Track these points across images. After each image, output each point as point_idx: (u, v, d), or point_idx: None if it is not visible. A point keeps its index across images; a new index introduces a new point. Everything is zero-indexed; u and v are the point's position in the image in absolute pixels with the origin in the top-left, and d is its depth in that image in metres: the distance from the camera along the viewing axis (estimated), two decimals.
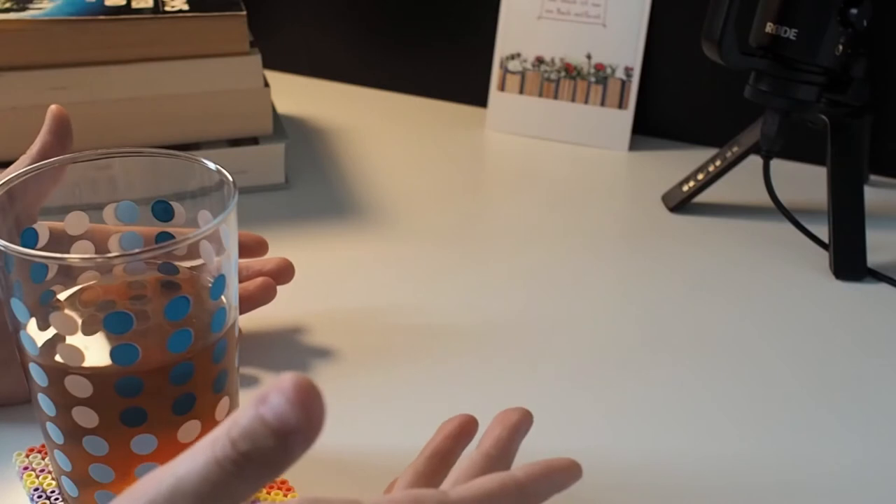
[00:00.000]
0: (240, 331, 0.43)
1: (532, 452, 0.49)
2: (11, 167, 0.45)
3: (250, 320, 0.57)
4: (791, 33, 0.63)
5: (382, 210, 0.73)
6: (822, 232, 0.67)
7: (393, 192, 0.75)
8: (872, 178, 0.77)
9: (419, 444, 0.49)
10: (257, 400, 0.28)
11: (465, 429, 0.42)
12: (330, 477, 0.46)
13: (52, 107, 0.48)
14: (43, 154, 0.46)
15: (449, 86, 0.91)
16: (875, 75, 0.69)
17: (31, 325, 0.39)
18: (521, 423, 0.42)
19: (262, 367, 0.55)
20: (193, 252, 0.38)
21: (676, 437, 0.50)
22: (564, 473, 0.37)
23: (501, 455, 0.40)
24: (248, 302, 0.54)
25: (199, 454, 0.29)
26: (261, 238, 0.57)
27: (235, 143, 0.73)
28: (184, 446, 0.39)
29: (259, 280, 0.55)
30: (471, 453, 0.40)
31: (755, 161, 0.69)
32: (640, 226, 0.72)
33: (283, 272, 0.56)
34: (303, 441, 0.28)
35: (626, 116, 0.82)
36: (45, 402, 0.39)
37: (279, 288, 0.56)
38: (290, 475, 0.45)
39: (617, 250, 0.70)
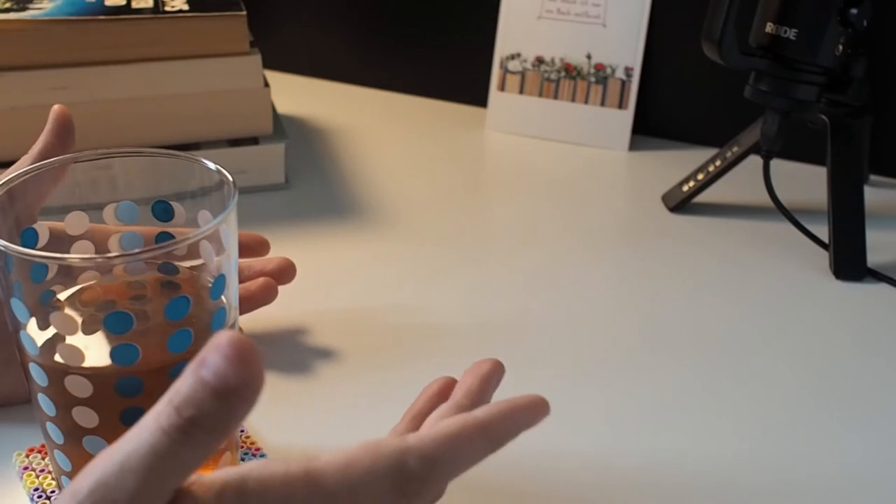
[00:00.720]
0: (241, 330, 0.43)
1: (532, 452, 0.49)
2: (13, 167, 0.45)
3: (251, 320, 0.57)
4: (791, 33, 0.63)
5: (382, 210, 0.73)
6: (822, 232, 0.67)
7: (393, 192, 0.75)
8: (872, 178, 0.77)
9: None
10: (196, 364, 0.28)
11: (447, 390, 0.42)
12: None
13: (56, 107, 0.48)
14: (44, 155, 0.46)
15: (449, 86, 0.91)
16: (875, 75, 0.69)
17: (31, 325, 0.39)
18: (493, 372, 0.41)
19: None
20: (193, 252, 0.38)
21: (676, 436, 0.50)
22: (529, 411, 0.35)
23: (472, 404, 0.39)
24: (250, 302, 0.54)
25: (145, 428, 0.29)
26: (262, 238, 0.57)
27: (235, 143, 0.73)
28: None
29: (260, 280, 0.55)
30: (441, 405, 0.39)
31: (755, 161, 0.69)
32: (640, 226, 0.72)
33: (285, 272, 0.56)
34: (245, 399, 0.28)
35: (626, 116, 0.82)
36: (45, 402, 0.39)
37: (280, 288, 0.56)
38: None
39: (617, 250, 0.70)
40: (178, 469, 0.29)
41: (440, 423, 0.34)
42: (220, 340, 0.28)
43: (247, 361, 0.28)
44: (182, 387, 0.28)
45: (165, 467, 0.29)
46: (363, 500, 0.31)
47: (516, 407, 0.35)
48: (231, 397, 0.28)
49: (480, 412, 0.34)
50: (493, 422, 0.34)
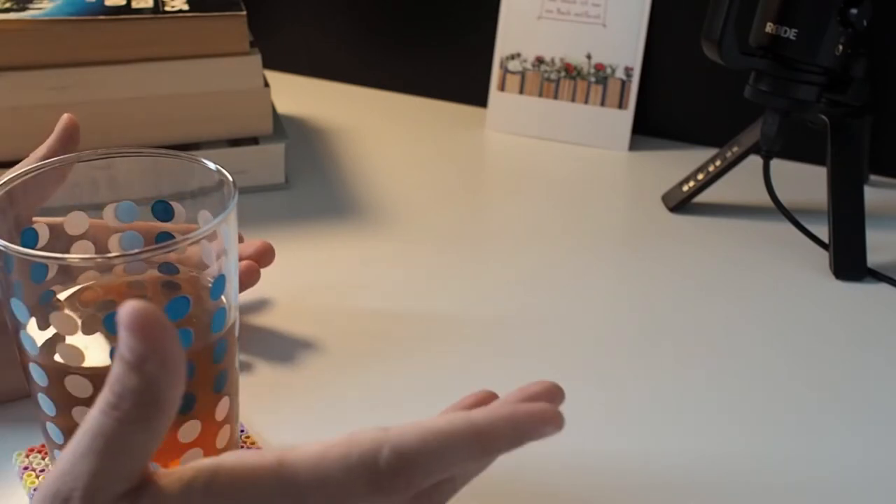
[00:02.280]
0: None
1: (533, 452, 0.49)
2: (13, 169, 0.45)
3: (251, 321, 0.57)
4: (791, 33, 0.63)
5: (382, 210, 0.73)
6: (822, 232, 0.67)
7: (393, 192, 0.75)
8: (872, 178, 0.77)
9: None
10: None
11: (483, 402, 0.38)
12: None
13: (65, 116, 0.48)
14: (49, 157, 0.46)
15: (449, 86, 0.91)
16: (875, 75, 0.69)
17: (31, 325, 0.39)
18: (541, 395, 0.35)
19: (261, 368, 0.55)
20: (193, 252, 0.38)
21: (676, 436, 0.50)
22: (538, 421, 0.31)
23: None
24: None
25: (89, 415, 0.30)
26: (263, 246, 0.57)
27: (235, 143, 0.73)
28: (184, 446, 0.39)
29: (243, 263, 0.55)
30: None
31: (755, 161, 0.69)
32: (640, 226, 0.72)
33: (264, 255, 0.56)
34: (159, 366, 0.29)
35: (626, 116, 0.82)
36: (45, 402, 0.39)
37: (280, 287, 0.56)
38: None
39: (617, 250, 0.70)
40: (127, 448, 0.30)
41: (426, 420, 0.31)
42: (120, 315, 0.28)
43: (148, 330, 0.28)
44: (112, 369, 0.30)
45: (113, 447, 0.30)
46: (334, 492, 0.30)
47: (522, 414, 0.31)
48: (145, 368, 0.29)
49: (479, 412, 0.31)
50: (489, 425, 0.31)
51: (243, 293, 0.55)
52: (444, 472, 0.31)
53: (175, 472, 0.31)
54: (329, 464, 0.31)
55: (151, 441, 0.30)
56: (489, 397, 0.38)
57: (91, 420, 0.30)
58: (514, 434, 0.31)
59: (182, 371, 0.29)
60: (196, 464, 0.31)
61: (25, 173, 0.41)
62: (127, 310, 0.28)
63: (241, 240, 0.57)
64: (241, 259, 0.55)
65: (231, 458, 0.31)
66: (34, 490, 0.44)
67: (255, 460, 0.31)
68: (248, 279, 0.55)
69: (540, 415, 0.31)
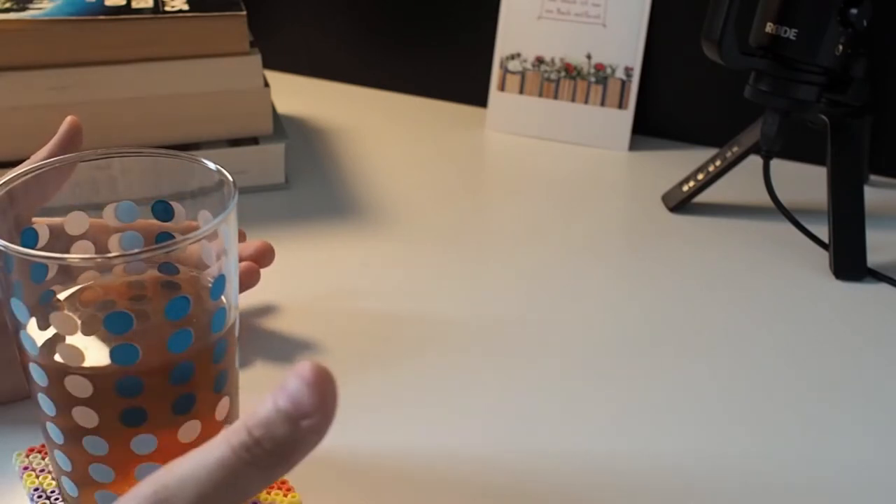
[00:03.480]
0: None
1: (534, 452, 0.49)
2: (14, 170, 0.45)
3: (251, 321, 0.57)
4: (791, 33, 0.63)
5: (382, 210, 0.73)
6: (822, 232, 0.67)
7: (393, 192, 0.75)
8: (872, 178, 0.77)
9: (421, 442, 0.50)
10: (276, 390, 0.29)
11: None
12: (331, 479, 0.46)
13: (69, 118, 0.48)
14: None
15: (449, 86, 0.91)
16: (875, 75, 0.69)
17: (31, 325, 0.39)
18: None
19: (261, 368, 0.55)
20: (193, 252, 0.38)
21: (676, 435, 0.50)
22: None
23: None
24: None
25: (214, 443, 0.30)
26: (263, 246, 0.57)
27: (235, 143, 0.73)
28: (184, 446, 0.39)
29: (243, 264, 0.55)
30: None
31: (755, 161, 0.69)
32: (640, 226, 0.72)
33: (264, 255, 0.56)
34: (315, 427, 0.29)
35: (626, 116, 0.82)
36: (45, 403, 0.39)
37: (280, 287, 0.56)
38: (292, 476, 0.45)
39: (617, 250, 0.70)
40: (239, 487, 0.30)
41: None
42: (302, 368, 0.29)
43: (323, 391, 0.29)
44: (258, 409, 0.29)
45: (227, 482, 0.29)
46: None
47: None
48: (301, 423, 0.29)
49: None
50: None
51: (243, 294, 0.55)
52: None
53: None
54: (211, 445, 0.31)
55: (265, 485, 0.30)
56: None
57: (216, 450, 0.30)
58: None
59: (321, 438, 0.29)
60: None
61: (26, 173, 0.41)
62: (310, 366, 0.29)
63: (242, 238, 0.57)
64: (240, 260, 0.55)
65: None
66: (34, 490, 0.44)
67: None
68: (248, 280, 0.55)
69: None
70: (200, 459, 0.30)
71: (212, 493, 0.29)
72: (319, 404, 0.29)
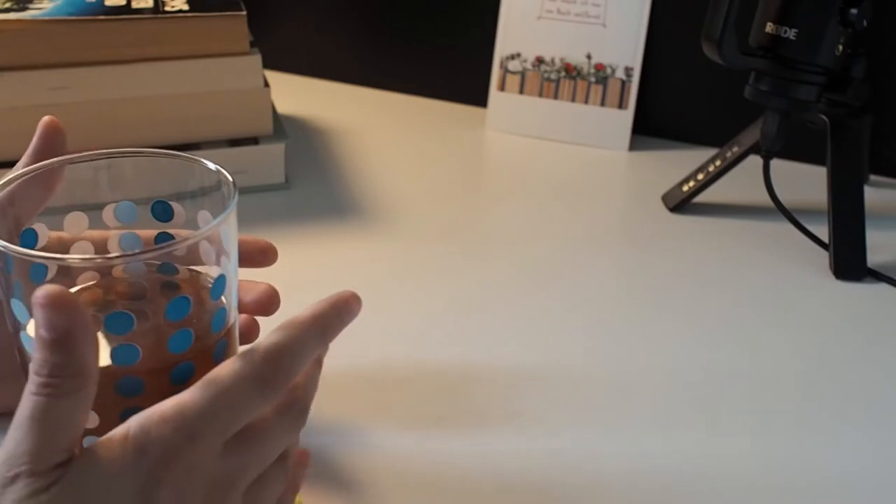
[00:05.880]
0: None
1: (535, 452, 0.49)
2: (15, 171, 0.45)
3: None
4: (791, 33, 0.63)
5: (382, 210, 0.73)
6: (822, 232, 0.67)
7: (393, 193, 0.75)
8: (872, 178, 0.77)
9: (423, 441, 0.50)
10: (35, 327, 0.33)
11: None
12: (332, 480, 0.46)
13: (44, 118, 0.46)
14: (34, 160, 0.45)
15: (449, 86, 0.91)
16: (875, 75, 0.69)
17: (32, 326, 0.38)
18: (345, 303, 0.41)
19: None
20: (193, 252, 0.38)
21: (676, 435, 0.50)
22: (347, 303, 0.40)
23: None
24: None
25: (22, 399, 0.33)
26: (266, 244, 0.54)
27: (235, 143, 0.73)
28: None
29: (243, 318, 0.50)
30: None
31: (755, 161, 0.69)
32: (640, 226, 0.72)
33: (268, 304, 0.50)
34: (79, 337, 0.32)
35: (626, 116, 0.82)
36: None
37: (278, 288, 0.56)
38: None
39: (617, 250, 0.70)
40: (63, 421, 0.33)
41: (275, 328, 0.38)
42: (36, 297, 0.32)
43: (62, 307, 0.32)
44: (34, 352, 0.33)
45: (49, 423, 0.33)
46: (232, 400, 0.35)
47: (336, 301, 0.40)
48: (67, 342, 0.32)
49: (306, 311, 0.39)
50: (320, 313, 0.39)
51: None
52: (304, 357, 0.38)
53: (107, 436, 0.34)
54: (220, 380, 0.35)
55: (84, 409, 0.33)
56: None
57: (24, 403, 0.33)
58: (339, 318, 0.40)
59: (94, 338, 0.33)
60: (127, 423, 0.34)
61: (26, 173, 0.41)
62: (41, 292, 0.32)
63: (268, 258, 0.52)
64: (241, 306, 0.49)
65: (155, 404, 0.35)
66: None
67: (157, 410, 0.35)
68: (247, 335, 0.50)
69: (349, 299, 0.41)
70: (19, 415, 0.33)
71: (45, 440, 0.33)
72: (69, 319, 0.32)
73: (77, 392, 0.33)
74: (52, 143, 0.46)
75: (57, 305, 0.32)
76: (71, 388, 0.33)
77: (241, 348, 0.38)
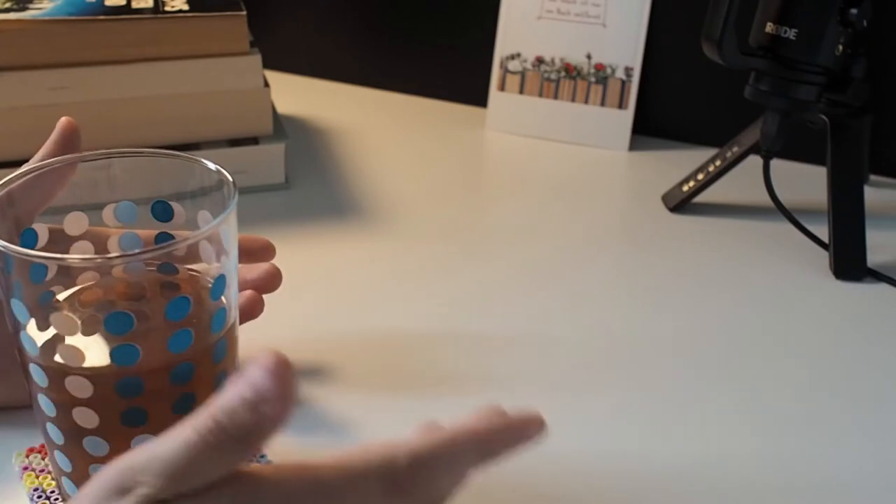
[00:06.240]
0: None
1: (536, 452, 0.49)
2: (15, 171, 0.45)
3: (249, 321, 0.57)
4: (791, 33, 0.63)
5: (382, 210, 0.73)
6: (822, 232, 0.67)
7: (393, 192, 0.75)
8: (872, 178, 0.77)
9: None
10: (238, 379, 0.30)
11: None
12: None
13: (63, 119, 0.47)
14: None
15: (449, 86, 0.91)
16: (875, 75, 0.69)
17: (31, 326, 0.39)
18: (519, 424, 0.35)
19: None
20: (193, 252, 0.38)
21: (676, 436, 0.50)
22: (526, 426, 0.35)
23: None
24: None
25: (180, 428, 0.30)
26: (265, 241, 0.55)
27: (235, 143, 0.73)
28: None
29: (246, 293, 0.52)
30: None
31: (755, 161, 0.69)
32: (640, 226, 0.72)
33: (270, 281, 0.53)
34: (275, 413, 0.30)
35: (626, 116, 0.82)
36: (45, 403, 0.39)
37: (280, 287, 0.56)
38: None
39: (617, 250, 0.70)
40: (202, 468, 0.30)
41: (433, 430, 0.34)
42: (262, 357, 0.30)
43: (282, 379, 0.30)
44: (222, 396, 0.30)
45: (191, 462, 0.30)
46: (358, 491, 0.32)
47: (512, 421, 0.35)
48: (261, 409, 0.30)
49: (475, 421, 0.34)
50: (487, 431, 0.34)
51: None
52: (454, 474, 0.33)
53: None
54: (351, 465, 0.32)
55: (224, 472, 0.31)
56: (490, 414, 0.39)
57: (181, 434, 0.30)
58: (510, 440, 0.34)
59: (281, 424, 0.31)
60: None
61: (26, 174, 0.41)
62: (271, 355, 0.30)
63: (270, 254, 0.55)
64: (244, 284, 0.52)
65: (252, 466, 0.32)
66: (34, 490, 0.44)
67: (273, 467, 0.32)
68: (250, 310, 0.52)
69: (530, 422, 0.35)
70: (166, 443, 0.30)
71: (176, 474, 0.30)
72: (279, 391, 0.30)
73: (233, 456, 0.31)
74: (70, 146, 0.47)
75: (280, 375, 0.30)
76: (238, 450, 0.31)
77: None
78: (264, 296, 0.53)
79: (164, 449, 0.30)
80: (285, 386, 0.30)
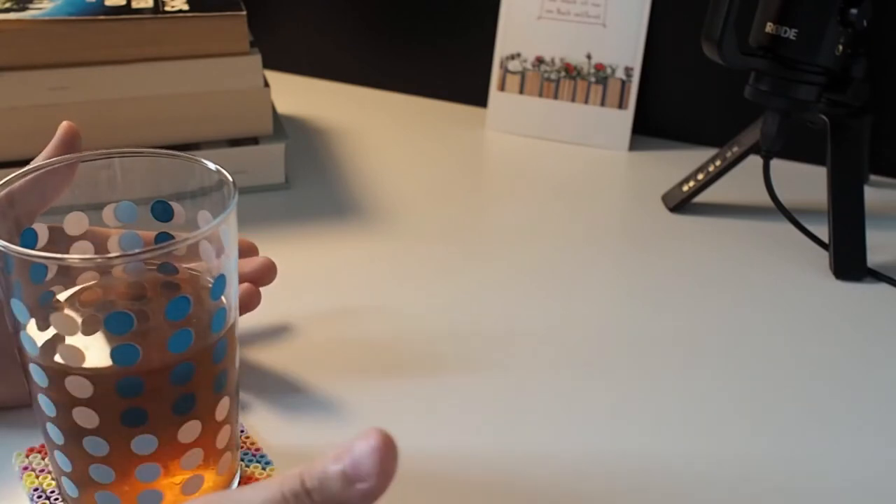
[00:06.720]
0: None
1: (536, 452, 0.49)
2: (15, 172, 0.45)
3: (249, 321, 0.57)
4: (791, 33, 0.63)
5: (382, 210, 0.73)
6: (822, 232, 0.67)
7: (393, 192, 0.75)
8: (872, 178, 0.77)
9: (422, 444, 0.50)
10: (339, 449, 0.30)
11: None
12: None
13: (64, 123, 0.47)
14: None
15: (449, 86, 0.91)
16: (875, 75, 0.69)
17: (31, 326, 0.39)
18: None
19: (260, 368, 0.55)
20: (193, 252, 0.38)
21: (675, 436, 0.50)
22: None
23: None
24: None
25: (267, 485, 0.30)
26: (250, 243, 0.57)
27: (235, 143, 0.73)
28: (184, 447, 0.39)
29: (243, 286, 0.53)
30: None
31: (755, 161, 0.69)
32: (640, 226, 0.72)
33: (266, 274, 0.54)
34: (368, 492, 0.30)
35: (626, 116, 0.82)
36: (45, 403, 0.39)
37: (280, 287, 0.56)
38: None
39: (617, 250, 0.70)
40: None
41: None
42: (369, 433, 0.30)
43: (385, 459, 0.30)
44: (316, 462, 0.30)
45: None
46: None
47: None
48: (356, 486, 0.30)
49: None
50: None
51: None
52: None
53: None
54: (264, 484, 0.32)
55: None
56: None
57: (266, 492, 0.30)
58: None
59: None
60: None
61: (26, 174, 0.41)
62: (378, 433, 0.30)
63: (254, 252, 0.56)
64: (240, 276, 0.52)
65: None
66: (34, 490, 0.44)
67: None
68: (248, 302, 0.53)
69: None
70: (250, 496, 0.30)
71: None
72: (379, 471, 0.29)
73: None
74: (71, 150, 0.47)
75: (384, 458, 0.30)
76: None
77: None
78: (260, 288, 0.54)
79: (248, 498, 0.30)
80: (387, 467, 0.30)
